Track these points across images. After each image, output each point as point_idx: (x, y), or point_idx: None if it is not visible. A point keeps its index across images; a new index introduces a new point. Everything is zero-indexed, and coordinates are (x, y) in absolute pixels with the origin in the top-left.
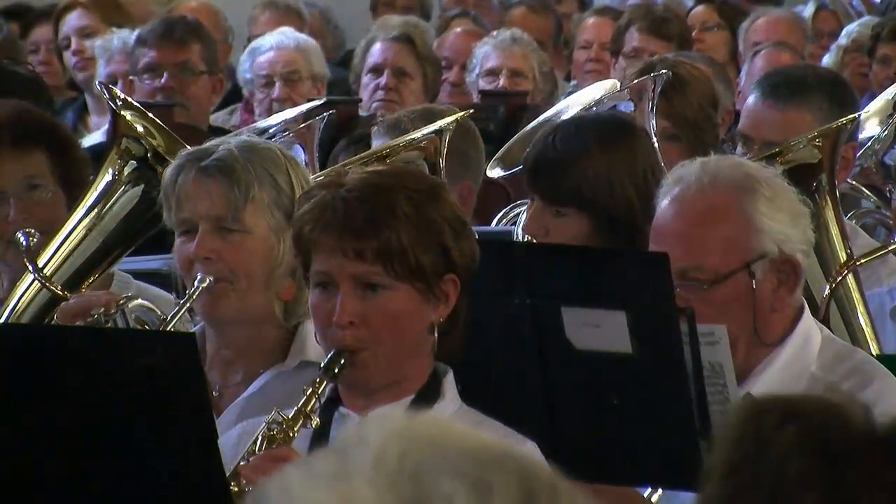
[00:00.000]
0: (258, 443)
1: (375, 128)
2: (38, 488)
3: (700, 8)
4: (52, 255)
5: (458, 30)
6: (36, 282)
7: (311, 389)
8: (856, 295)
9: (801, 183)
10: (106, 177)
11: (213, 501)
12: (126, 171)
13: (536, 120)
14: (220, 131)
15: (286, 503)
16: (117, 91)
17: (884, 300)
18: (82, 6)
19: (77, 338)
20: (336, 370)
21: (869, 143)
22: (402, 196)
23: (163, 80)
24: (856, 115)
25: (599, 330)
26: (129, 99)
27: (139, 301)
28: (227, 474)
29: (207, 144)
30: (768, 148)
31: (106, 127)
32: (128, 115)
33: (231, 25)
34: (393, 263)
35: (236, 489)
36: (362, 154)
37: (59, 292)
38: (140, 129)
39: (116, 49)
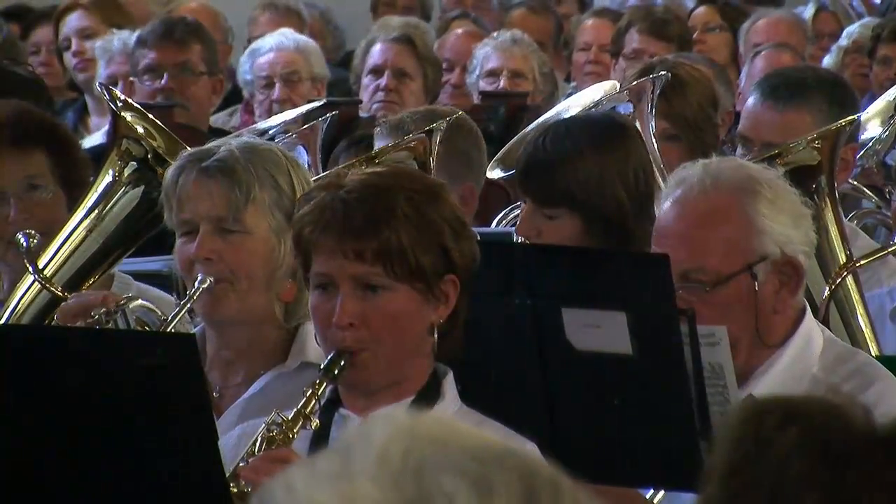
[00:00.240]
0: (258, 444)
1: (378, 129)
2: (38, 488)
3: (702, 9)
4: (53, 256)
5: (460, 31)
6: (36, 283)
7: (310, 391)
8: (855, 296)
9: (800, 184)
10: (106, 178)
11: (212, 502)
12: (126, 172)
13: (537, 121)
14: (220, 132)
15: (290, 502)
16: (117, 92)
17: (884, 301)
18: (83, 7)
19: (77, 338)
20: (336, 371)
21: (870, 144)
22: (402, 197)
23: (163, 81)
24: (855, 116)
25: (600, 331)
26: (130, 100)
27: (140, 301)
28: (227, 475)
29: (208, 145)
30: (768, 149)
31: (106, 128)
32: (128, 116)
33: (231, 26)
34: (393, 264)
35: (235, 490)
36: (351, 160)
37: (60, 293)
38: (140, 130)
39: (117, 50)
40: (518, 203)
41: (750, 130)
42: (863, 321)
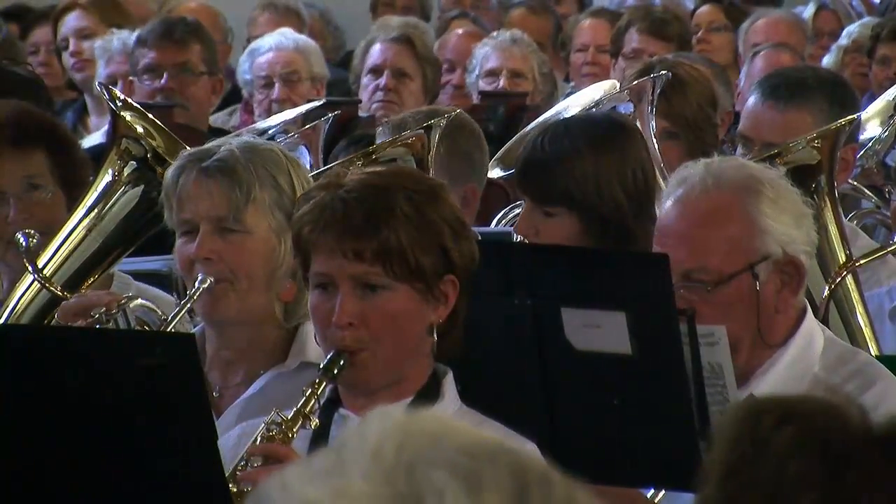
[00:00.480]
0: (257, 444)
1: (380, 129)
2: (38, 488)
3: (706, 8)
4: (52, 256)
5: (460, 31)
6: (35, 282)
7: (310, 390)
8: (855, 296)
9: (800, 184)
10: (106, 177)
11: (212, 501)
12: (126, 171)
13: (536, 121)
14: (219, 132)
15: (284, 500)
16: (117, 92)
17: (883, 301)
18: (81, 7)
19: (77, 338)
20: (335, 371)
21: (870, 144)
22: (402, 196)
23: (162, 81)
24: (855, 116)
25: (599, 331)
26: (129, 100)
27: (140, 301)
28: (227, 475)
29: (209, 145)
30: (768, 149)
31: (105, 128)
32: (127, 115)
33: (230, 26)
34: (392, 264)
35: (235, 490)
36: (349, 156)
37: (59, 293)
38: (140, 129)
39: (116, 50)
40: (518, 203)
41: (750, 130)
42: (862, 321)
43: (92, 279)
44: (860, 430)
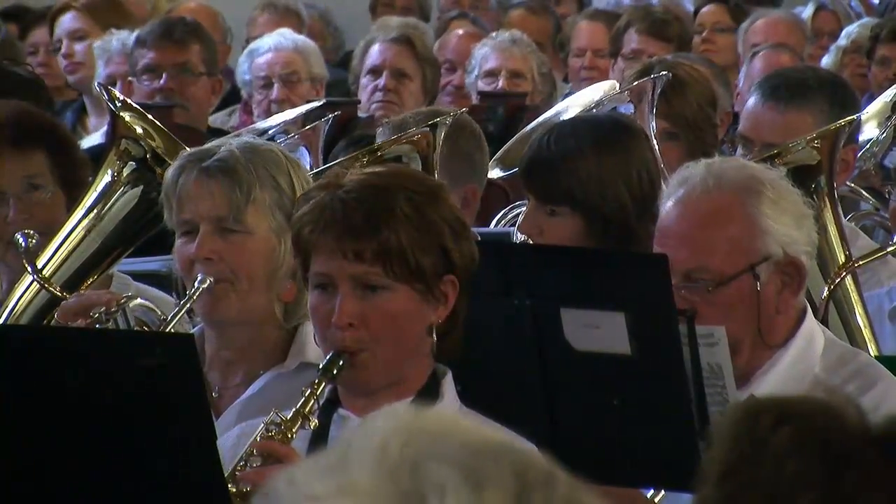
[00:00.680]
0: (257, 443)
1: (381, 129)
2: (38, 489)
3: (712, 8)
4: (52, 257)
5: (461, 31)
6: (35, 283)
7: (309, 391)
8: (854, 296)
9: (799, 184)
10: (105, 178)
11: (211, 501)
12: (125, 172)
13: (536, 121)
14: (218, 132)
15: (291, 495)
16: (116, 92)
17: (882, 301)
18: (75, 9)
19: (76, 339)
20: (335, 371)
21: (867, 146)
22: (402, 197)
23: (162, 81)
24: (854, 116)
25: (599, 331)
26: (128, 100)
27: (140, 300)
28: (226, 475)
29: (209, 145)
30: (768, 150)
31: (105, 128)
32: (127, 116)
33: (230, 26)
34: (392, 264)
35: (234, 490)
36: (354, 153)
37: (58, 293)
38: (139, 130)
39: (115, 50)
40: (517, 203)
41: (751, 131)
42: (861, 321)
43: (91, 280)
44: (858, 429)
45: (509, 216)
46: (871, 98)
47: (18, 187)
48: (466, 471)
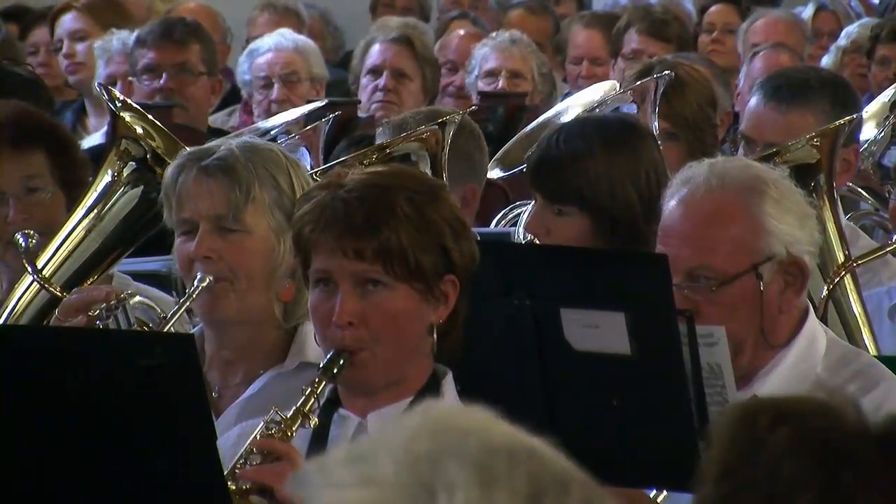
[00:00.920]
0: (257, 441)
1: (380, 129)
2: (38, 489)
3: (721, 8)
4: (52, 257)
5: (461, 32)
6: (35, 283)
7: (309, 389)
8: (853, 296)
9: (799, 183)
10: (105, 178)
11: (212, 501)
12: (125, 172)
13: (536, 121)
14: (218, 132)
15: (320, 479)
16: (116, 92)
17: (881, 300)
18: (76, 9)
19: (76, 339)
20: (335, 370)
21: (866, 145)
22: (402, 196)
23: (162, 81)
24: (854, 116)
25: (598, 331)
26: (128, 100)
27: (140, 298)
28: (226, 473)
29: (209, 144)
30: (770, 150)
31: (105, 128)
32: (127, 116)
33: (230, 27)
34: (392, 263)
35: (234, 487)
36: (363, 150)
37: (58, 293)
38: (139, 130)
39: (116, 50)
40: (517, 203)
41: (752, 131)
42: (861, 321)
43: (91, 280)
44: (856, 429)
45: (509, 216)
46: (871, 98)
47: (18, 187)
48: (480, 469)
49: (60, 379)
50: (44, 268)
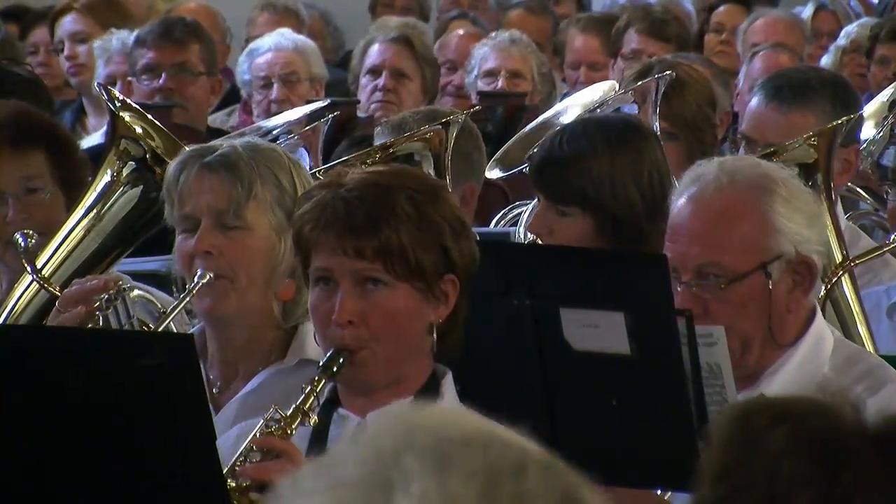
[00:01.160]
0: (257, 438)
1: (379, 129)
2: (38, 489)
3: (730, 9)
4: (51, 257)
5: (460, 32)
6: (34, 283)
7: (309, 388)
8: (851, 295)
9: None
10: (105, 178)
11: (211, 501)
12: (125, 172)
13: (535, 121)
14: (218, 132)
15: (290, 495)
16: (116, 92)
17: (880, 299)
18: (77, 10)
19: (76, 339)
20: (335, 369)
21: (864, 145)
22: (403, 196)
23: (161, 81)
24: (851, 116)
25: (598, 331)
26: (128, 100)
27: (139, 291)
28: (225, 471)
29: (211, 143)
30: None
31: (104, 128)
32: (126, 116)
33: (229, 26)
34: (393, 262)
35: (234, 485)
36: (367, 149)
37: (58, 293)
38: (139, 130)
39: (116, 50)
40: (517, 203)
41: (753, 131)
42: (859, 320)
43: None
44: (855, 429)
45: (509, 216)
46: (871, 98)
47: (18, 187)
48: (434, 458)
49: (60, 379)
50: (43, 268)
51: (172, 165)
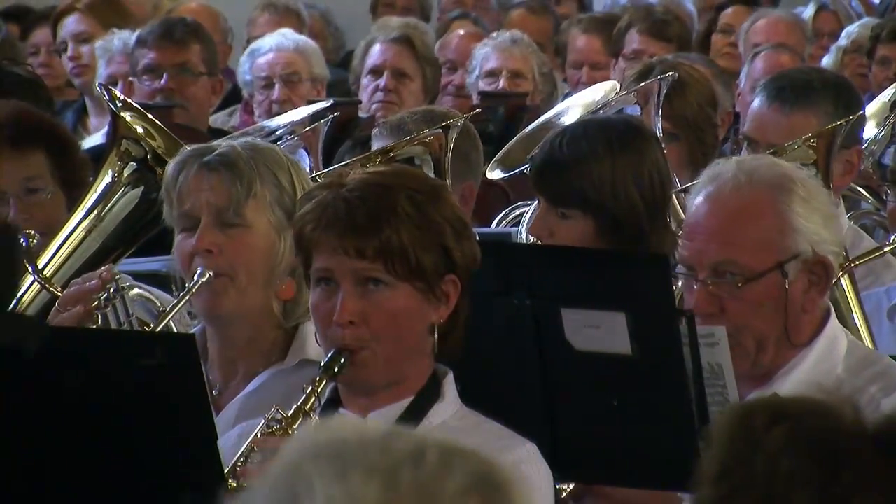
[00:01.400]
0: (258, 439)
1: (377, 129)
2: (39, 489)
3: (738, 9)
4: (52, 257)
5: (462, 32)
6: (36, 283)
7: (310, 388)
8: (851, 296)
9: None
10: (106, 178)
11: (211, 501)
12: (126, 172)
13: (536, 121)
14: (219, 133)
15: None
16: (117, 92)
17: (881, 300)
18: (79, 11)
19: (76, 339)
20: (336, 369)
21: (866, 145)
22: (404, 196)
23: (162, 82)
24: (850, 117)
25: (599, 331)
26: (129, 100)
27: (139, 290)
28: (226, 471)
29: (210, 143)
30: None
31: (105, 129)
32: (127, 116)
33: (230, 27)
34: (394, 262)
35: (235, 485)
36: (368, 153)
37: (59, 294)
38: (140, 130)
39: (117, 50)
40: (518, 203)
41: (755, 132)
42: (859, 321)
43: None
44: (853, 428)
45: (510, 216)
46: (872, 98)
47: (18, 188)
48: (333, 461)
49: (60, 379)
50: (44, 268)
51: (171, 165)
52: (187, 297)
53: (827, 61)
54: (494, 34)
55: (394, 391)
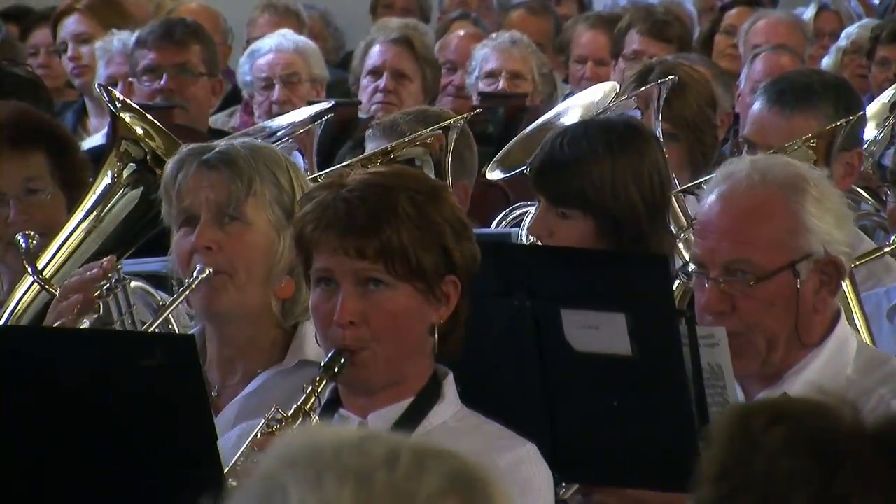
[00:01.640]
0: (258, 439)
1: (370, 130)
2: (38, 489)
3: (742, 10)
4: (52, 258)
5: (461, 32)
6: (35, 284)
7: (310, 388)
8: (851, 297)
9: None
10: (105, 179)
11: (211, 501)
12: (125, 173)
13: (536, 122)
14: (219, 133)
15: None
16: (117, 93)
17: (881, 301)
18: (79, 11)
19: (76, 339)
20: (336, 369)
21: (866, 146)
22: (404, 196)
23: (162, 82)
24: (850, 118)
25: (599, 332)
26: (129, 101)
27: (139, 283)
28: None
29: (209, 143)
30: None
31: (105, 129)
32: (127, 117)
33: (230, 27)
34: (394, 263)
35: (235, 485)
36: (368, 154)
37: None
38: (139, 131)
39: (117, 50)
40: (518, 204)
41: (756, 135)
42: (860, 322)
43: None
44: (852, 428)
45: (510, 217)
46: (872, 99)
47: (18, 189)
48: (306, 467)
49: (60, 379)
50: (44, 269)
51: (170, 163)
52: (186, 293)
53: (827, 62)
54: (494, 35)
55: (394, 392)
